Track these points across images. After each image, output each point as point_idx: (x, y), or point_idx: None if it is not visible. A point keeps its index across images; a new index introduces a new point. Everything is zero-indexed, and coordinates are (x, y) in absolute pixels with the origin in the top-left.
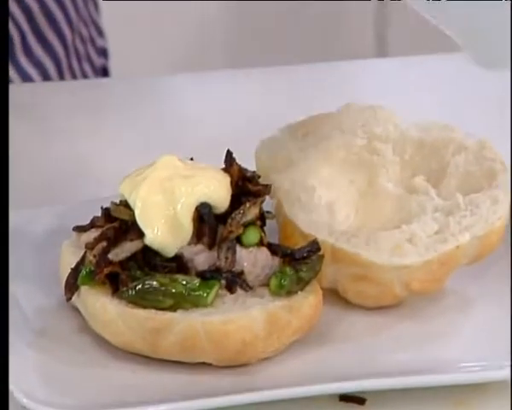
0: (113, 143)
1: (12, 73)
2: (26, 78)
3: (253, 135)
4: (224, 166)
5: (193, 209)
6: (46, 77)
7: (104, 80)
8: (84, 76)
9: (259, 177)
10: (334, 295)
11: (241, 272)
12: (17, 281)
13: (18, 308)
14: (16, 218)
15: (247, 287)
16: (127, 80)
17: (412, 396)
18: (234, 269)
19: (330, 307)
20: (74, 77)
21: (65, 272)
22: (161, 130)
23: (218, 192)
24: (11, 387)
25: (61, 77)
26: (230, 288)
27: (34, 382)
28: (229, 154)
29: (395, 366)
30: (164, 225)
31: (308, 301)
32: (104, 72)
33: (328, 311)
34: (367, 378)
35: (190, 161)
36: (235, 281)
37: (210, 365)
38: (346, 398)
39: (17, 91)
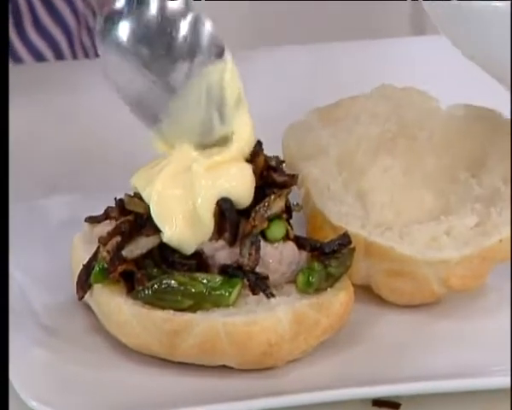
0: (130, 127)
1: (20, 46)
2: (35, 52)
3: (278, 119)
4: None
5: (214, 204)
6: (57, 52)
7: None
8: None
9: (282, 162)
10: (367, 293)
11: (266, 277)
12: (26, 276)
13: (27, 306)
14: (24, 209)
15: (270, 295)
16: None
17: (450, 400)
18: (258, 270)
19: (362, 304)
20: (85, 50)
21: (77, 267)
22: None
23: (241, 187)
24: (18, 389)
25: (73, 50)
26: (254, 289)
27: (43, 384)
28: (258, 144)
29: (432, 369)
30: (182, 221)
31: (338, 299)
32: None
33: (359, 309)
34: (402, 382)
35: (210, 150)
36: (258, 286)
37: (231, 368)
38: (379, 403)
39: (27, 71)
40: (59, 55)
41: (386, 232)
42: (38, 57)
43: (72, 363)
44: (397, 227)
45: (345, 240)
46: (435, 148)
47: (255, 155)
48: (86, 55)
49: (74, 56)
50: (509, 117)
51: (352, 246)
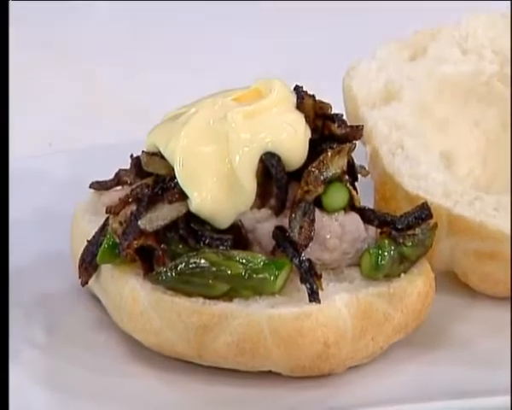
0: (144, 68)
1: None
2: None
3: (338, 56)
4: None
5: (256, 162)
6: None
7: None
8: None
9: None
10: (451, 280)
11: (319, 276)
12: (17, 259)
13: (19, 297)
14: (18, 169)
15: (316, 297)
16: None
17: None
18: (312, 247)
19: (445, 295)
20: None
21: (78, 245)
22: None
23: (292, 140)
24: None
25: None
26: (302, 277)
27: (40, 393)
28: (297, 88)
29: None
30: (215, 185)
31: (415, 288)
32: None
33: (442, 301)
34: (496, 395)
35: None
36: (307, 279)
37: (277, 375)
38: None
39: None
40: None
41: (475, 203)
42: None
43: (73, 368)
44: (490, 197)
45: (423, 213)
46: None
47: (299, 99)
48: None
49: None
50: None
51: (432, 221)
